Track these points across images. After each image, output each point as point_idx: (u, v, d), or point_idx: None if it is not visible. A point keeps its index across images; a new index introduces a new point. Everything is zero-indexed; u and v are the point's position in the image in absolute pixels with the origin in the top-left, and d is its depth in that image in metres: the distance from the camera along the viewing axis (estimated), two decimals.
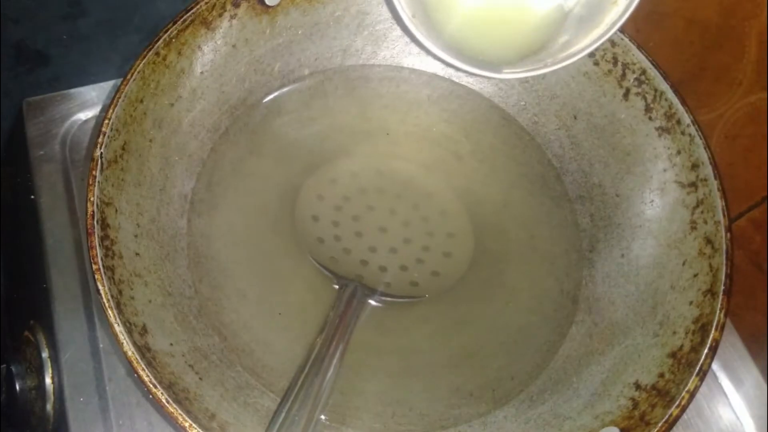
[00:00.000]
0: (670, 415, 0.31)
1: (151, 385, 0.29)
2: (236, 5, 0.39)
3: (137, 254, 0.34)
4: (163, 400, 0.29)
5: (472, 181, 0.43)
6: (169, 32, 0.37)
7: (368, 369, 0.37)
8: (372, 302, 0.38)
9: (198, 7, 0.38)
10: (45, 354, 0.40)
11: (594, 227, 0.42)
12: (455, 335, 0.38)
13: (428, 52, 0.38)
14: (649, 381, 0.34)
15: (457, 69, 0.39)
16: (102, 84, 0.48)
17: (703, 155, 0.37)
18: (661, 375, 0.33)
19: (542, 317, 0.39)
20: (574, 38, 0.37)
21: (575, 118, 0.43)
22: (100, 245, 0.31)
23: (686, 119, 0.38)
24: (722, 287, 0.34)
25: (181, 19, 0.37)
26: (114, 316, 0.30)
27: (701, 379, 0.32)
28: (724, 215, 0.36)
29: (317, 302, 0.37)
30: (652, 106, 0.39)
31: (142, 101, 0.36)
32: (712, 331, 0.33)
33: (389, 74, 0.46)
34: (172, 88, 0.38)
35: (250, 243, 0.39)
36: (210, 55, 0.39)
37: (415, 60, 0.46)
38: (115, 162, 0.34)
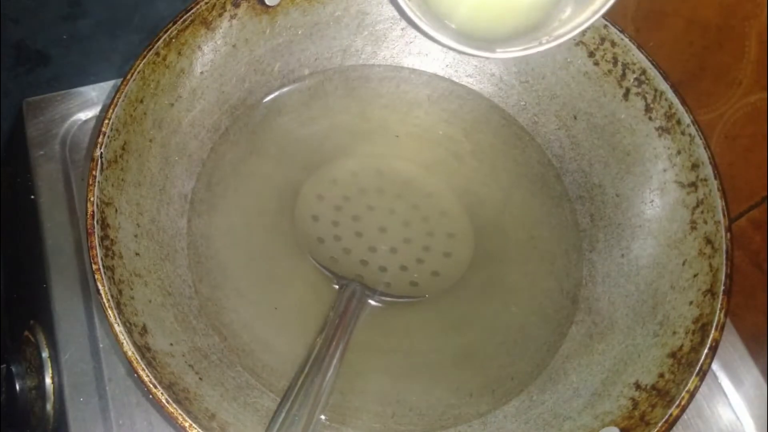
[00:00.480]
0: (670, 415, 0.31)
1: (151, 385, 0.29)
2: (236, 5, 0.39)
3: (137, 254, 0.34)
4: (163, 400, 0.29)
5: (472, 181, 0.43)
6: (169, 32, 0.37)
7: (368, 369, 0.37)
8: (372, 302, 0.38)
9: (198, 7, 0.38)
10: (45, 354, 0.40)
11: (594, 227, 0.42)
12: (455, 335, 0.38)
13: (422, 32, 0.38)
14: (649, 381, 0.34)
15: (451, 49, 0.38)
16: (102, 84, 0.48)
17: (703, 155, 0.37)
18: (661, 375, 0.33)
19: (542, 317, 0.39)
20: (570, 16, 0.37)
21: (575, 118, 0.43)
22: (100, 245, 0.31)
23: (686, 119, 0.38)
24: (722, 287, 0.34)
25: (181, 19, 0.37)
26: (114, 316, 0.30)
27: (701, 379, 0.32)
28: (724, 215, 0.36)
29: (317, 302, 0.37)
30: (652, 106, 0.39)
31: (142, 101, 0.36)
32: (712, 331, 0.33)
33: (389, 74, 0.46)
34: (172, 88, 0.38)
35: (250, 243, 0.39)
36: (210, 55, 0.39)
37: (415, 60, 0.46)
38: (115, 162, 0.34)
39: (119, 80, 0.38)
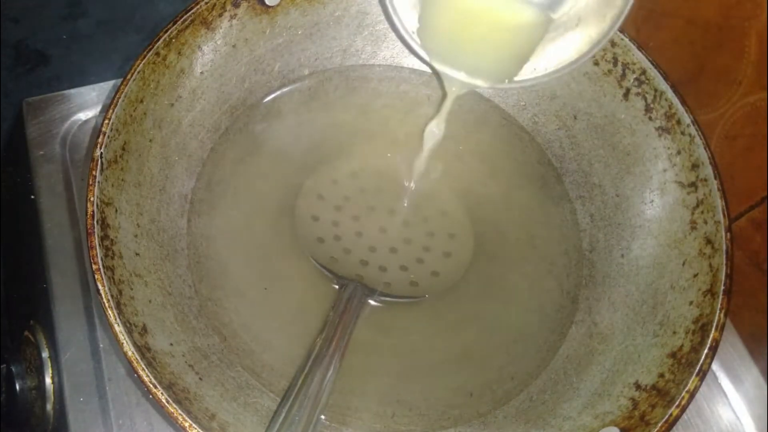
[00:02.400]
0: (670, 415, 0.31)
1: (151, 385, 0.29)
2: (236, 5, 0.39)
3: (137, 254, 0.34)
4: (163, 400, 0.29)
5: (472, 181, 0.43)
6: (169, 32, 0.37)
7: (368, 369, 0.37)
8: (372, 302, 0.38)
9: (198, 7, 0.38)
10: (45, 354, 0.40)
11: (594, 227, 0.42)
12: (455, 335, 0.38)
13: (433, 69, 0.40)
14: (649, 381, 0.34)
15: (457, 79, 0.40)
16: (102, 84, 0.48)
17: (703, 155, 0.37)
18: (661, 375, 0.34)
19: (542, 317, 0.39)
20: (568, 44, 0.38)
21: (575, 118, 0.43)
22: (100, 245, 0.31)
23: (686, 119, 0.38)
24: (722, 287, 0.34)
25: (181, 19, 0.37)
26: (114, 316, 0.30)
27: (701, 379, 0.32)
28: (724, 215, 0.36)
29: (317, 302, 0.37)
30: (652, 106, 0.39)
31: (142, 101, 0.36)
32: (712, 331, 0.33)
33: (389, 74, 0.46)
34: (172, 88, 0.38)
35: (250, 243, 0.39)
36: (210, 55, 0.39)
37: (415, 60, 0.46)
38: (115, 162, 0.34)
39: (119, 80, 0.38)
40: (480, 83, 0.39)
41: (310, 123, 0.44)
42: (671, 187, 0.39)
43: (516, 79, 0.39)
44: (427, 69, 0.46)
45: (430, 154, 0.41)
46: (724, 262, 0.35)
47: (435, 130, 0.40)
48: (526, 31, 0.37)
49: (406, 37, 0.40)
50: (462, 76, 0.39)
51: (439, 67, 0.39)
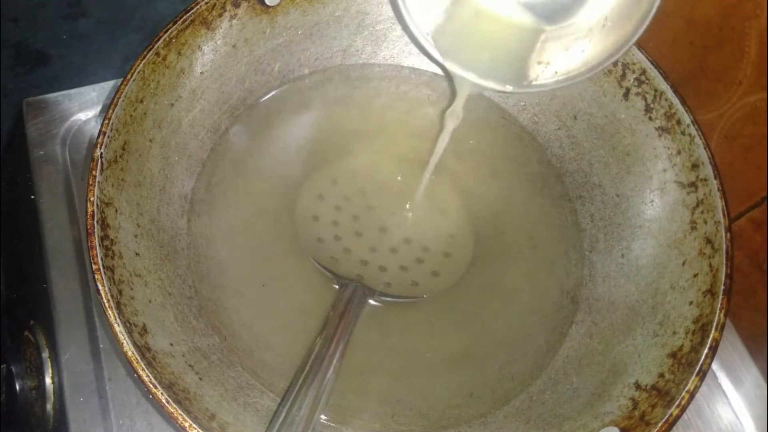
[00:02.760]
0: (670, 415, 0.31)
1: (151, 385, 0.29)
2: (236, 5, 0.39)
3: (137, 254, 0.34)
4: (163, 400, 0.29)
5: (472, 181, 0.43)
6: (169, 32, 0.37)
7: (368, 369, 0.37)
8: (372, 302, 0.38)
9: (198, 7, 0.38)
10: (45, 354, 0.40)
11: (594, 227, 0.42)
12: (455, 335, 0.38)
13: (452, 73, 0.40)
14: (649, 381, 0.34)
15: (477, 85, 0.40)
16: (102, 84, 0.48)
17: (703, 155, 0.37)
18: (661, 375, 0.34)
19: (542, 317, 0.39)
20: (592, 46, 0.38)
21: (575, 118, 0.43)
22: (100, 245, 0.31)
23: (686, 119, 0.38)
24: (722, 287, 0.34)
25: (181, 19, 0.37)
26: (114, 316, 0.30)
27: (701, 379, 0.32)
28: (724, 215, 0.36)
29: (317, 302, 0.37)
30: (652, 106, 0.39)
31: (142, 101, 0.36)
32: (712, 331, 0.33)
33: (389, 74, 0.46)
34: (172, 88, 0.38)
35: (250, 243, 0.39)
36: (210, 55, 0.39)
37: (415, 60, 0.46)
38: (115, 162, 0.34)
39: (119, 80, 0.38)
40: (492, 85, 0.39)
41: (310, 123, 0.44)
42: (671, 187, 0.39)
43: (535, 83, 0.39)
44: (428, 68, 0.46)
45: (449, 137, 0.40)
46: (724, 262, 0.35)
47: (455, 113, 0.40)
48: (525, 33, 0.37)
49: (419, 37, 0.40)
50: (474, 78, 0.39)
51: (453, 68, 0.39)
